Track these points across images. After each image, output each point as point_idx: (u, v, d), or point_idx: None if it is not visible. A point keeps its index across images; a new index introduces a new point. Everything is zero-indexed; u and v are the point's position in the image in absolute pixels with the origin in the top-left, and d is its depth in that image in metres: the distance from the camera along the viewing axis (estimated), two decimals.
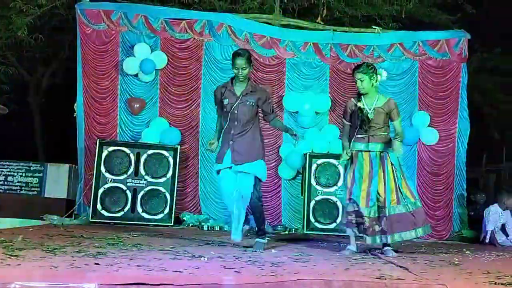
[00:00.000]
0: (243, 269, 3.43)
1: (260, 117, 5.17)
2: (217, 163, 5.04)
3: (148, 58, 7.91)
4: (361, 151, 5.05)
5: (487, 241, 7.38)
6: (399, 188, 4.98)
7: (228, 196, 4.95)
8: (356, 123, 5.06)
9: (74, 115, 8.02)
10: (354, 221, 4.98)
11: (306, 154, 7.72)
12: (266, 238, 5.10)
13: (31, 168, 7.96)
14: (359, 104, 5.06)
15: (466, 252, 5.48)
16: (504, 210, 7.45)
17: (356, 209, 4.94)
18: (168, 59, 8.11)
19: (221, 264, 3.65)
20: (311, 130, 8.15)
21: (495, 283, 3.19)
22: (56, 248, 4.00)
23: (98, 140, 7.50)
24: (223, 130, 5.07)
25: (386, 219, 4.86)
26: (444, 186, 8.30)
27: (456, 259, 4.69)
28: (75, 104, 8.01)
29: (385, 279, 3.17)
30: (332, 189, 7.62)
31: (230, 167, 4.93)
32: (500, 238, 7.38)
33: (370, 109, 5.01)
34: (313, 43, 8.39)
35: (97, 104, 8.02)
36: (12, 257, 3.42)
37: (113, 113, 8.05)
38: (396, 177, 5.00)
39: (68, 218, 7.35)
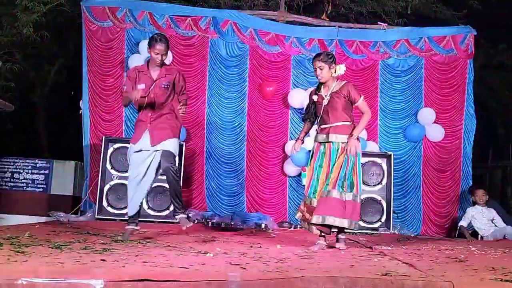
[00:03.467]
0: (248, 265, 3.42)
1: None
2: None
3: None
4: (322, 142, 4.97)
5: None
6: (346, 176, 4.75)
7: None
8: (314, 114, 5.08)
9: (80, 112, 8.04)
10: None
11: (310, 151, 7.68)
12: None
13: (37, 165, 7.98)
14: (314, 97, 5.01)
15: (472, 249, 5.46)
16: (483, 206, 7.48)
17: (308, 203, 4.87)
18: (173, 56, 8.12)
19: (227, 260, 3.65)
20: (315, 127, 8.12)
21: (501, 280, 3.17)
22: (63, 245, 4.02)
23: (103, 137, 7.50)
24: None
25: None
26: (450, 183, 8.28)
27: (462, 256, 4.68)
28: (81, 101, 8.04)
29: (391, 275, 3.16)
30: None
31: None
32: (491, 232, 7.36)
33: (326, 96, 4.92)
34: (318, 40, 8.38)
35: (103, 101, 8.03)
36: (18, 253, 3.44)
37: (118, 110, 8.06)
38: (346, 164, 4.77)
39: (74, 215, 7.40)
